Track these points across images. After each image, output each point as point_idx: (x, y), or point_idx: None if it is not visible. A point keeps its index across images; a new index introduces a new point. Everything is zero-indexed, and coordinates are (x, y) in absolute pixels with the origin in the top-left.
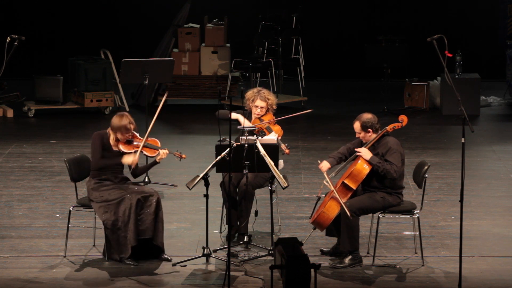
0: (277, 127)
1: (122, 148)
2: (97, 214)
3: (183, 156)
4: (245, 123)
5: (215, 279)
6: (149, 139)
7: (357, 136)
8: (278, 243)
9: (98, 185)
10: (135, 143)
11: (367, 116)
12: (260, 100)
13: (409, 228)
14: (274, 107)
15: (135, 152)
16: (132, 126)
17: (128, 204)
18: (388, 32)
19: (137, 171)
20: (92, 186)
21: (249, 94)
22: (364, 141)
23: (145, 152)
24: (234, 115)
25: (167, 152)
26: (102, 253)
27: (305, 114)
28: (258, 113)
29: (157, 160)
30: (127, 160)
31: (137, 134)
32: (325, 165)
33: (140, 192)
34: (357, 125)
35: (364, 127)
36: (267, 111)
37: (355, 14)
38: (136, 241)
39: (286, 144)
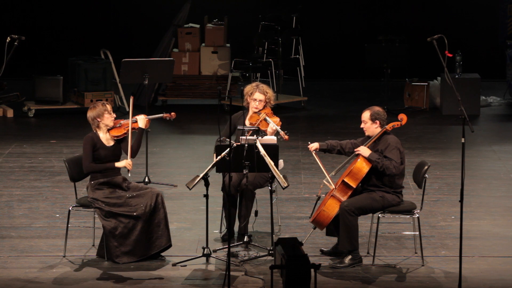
0: (276, 118)
1: (115, 134)
2: (96, 214)
3: (172, 114)
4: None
5: (215, 279)
6: (134, 117)
7: (361, 126)
8: (278, 243)
9: (100, 186)
10: (124, 126)
11: (379, 108)
12: (259, 93)
13: (409, 228)
14: (272, 102)
15: (125, 133)
16: (107, 106)
17: (132, 224)
18: (388, 32)
19: (134, 149)
20: (96, 186)
21: (248, 88)
22: (366, 133)
23: (135, 127)
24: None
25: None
26: (96, 254)
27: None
28: (257, 107)
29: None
30: (120, 164)
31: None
32: (314, 145)
33: (145, 205)
34: (366, 114)
35: (373, 118)
36: (265, 105)
37: (355, 14)
38: (130, 259)
39: (286, 131)
